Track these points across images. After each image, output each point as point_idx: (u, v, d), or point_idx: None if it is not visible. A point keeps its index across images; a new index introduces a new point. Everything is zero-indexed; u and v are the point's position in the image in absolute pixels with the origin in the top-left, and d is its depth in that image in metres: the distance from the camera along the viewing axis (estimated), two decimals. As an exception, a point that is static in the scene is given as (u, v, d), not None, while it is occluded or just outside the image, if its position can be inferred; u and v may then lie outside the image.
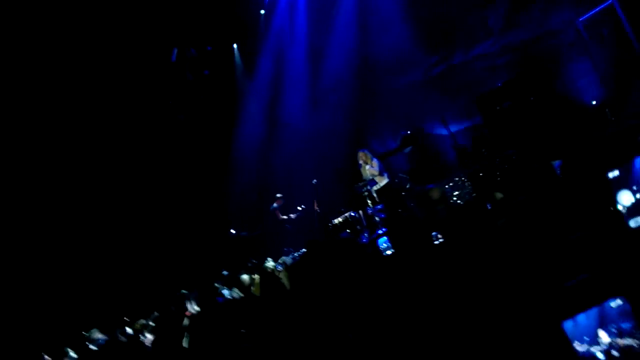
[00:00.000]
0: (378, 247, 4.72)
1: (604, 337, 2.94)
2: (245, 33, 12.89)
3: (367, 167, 9.90)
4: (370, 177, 9.87)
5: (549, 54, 10.52)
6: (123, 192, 12.21)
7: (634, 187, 3.30)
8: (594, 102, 9.42)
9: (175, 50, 12.32)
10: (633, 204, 3.31)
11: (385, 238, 4.66)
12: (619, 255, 3.19)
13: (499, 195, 5.48)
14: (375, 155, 10.29)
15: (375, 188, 9.72)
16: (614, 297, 2.95)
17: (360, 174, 10.24)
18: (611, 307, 2.96)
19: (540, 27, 10.53)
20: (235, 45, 13.41)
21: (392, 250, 4.60)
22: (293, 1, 12.67)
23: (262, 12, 12.65)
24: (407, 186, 10.36)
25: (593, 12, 9.12)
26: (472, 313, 3.45)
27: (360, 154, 10.07)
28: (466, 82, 12.23)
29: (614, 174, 3.36)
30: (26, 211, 11.06)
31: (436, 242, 4.57)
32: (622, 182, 3.33)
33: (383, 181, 9.87)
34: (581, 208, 3.57)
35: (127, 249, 12.00)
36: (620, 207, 3.33)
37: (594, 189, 3.52)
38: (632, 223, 3.32)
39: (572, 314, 2.97)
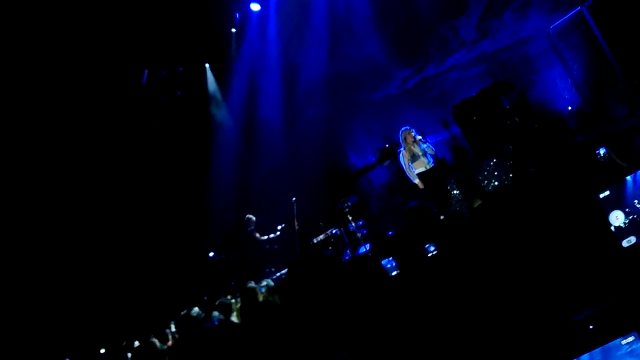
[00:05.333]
0: (384, 267, 4.55)
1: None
2: (217, 52, 12.69)
3: (412, 146, 8.21)
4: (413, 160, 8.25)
5: (523, 61, 10.61)
6: (95, 222, 11.81)
7: (627, 209, 3.16)
8: (569, 108, 9.50)
9: (146, 72, 12.05)
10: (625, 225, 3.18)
11: (389, 258, 4.50)
12: (620, 282, 2.97)
13: (477, 202, 5.37)
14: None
15: (415, 172, 8.25)
16: (627, 334, 2.70)
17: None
18: (621, 345, 2.70)
19: (512, 36, 10.62)
20: (207, 65, 13.21)
21: (397, 270, 4.44)
22: (264, 19, 12.55)
23: (234, 30, 12.49)
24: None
25: (563, 19, 9.23)
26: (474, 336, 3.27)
27: (405, 132, 8.31)
28: (441, 93, 12.24)
29: (604, 194, 3.21)
30: None
31: (429, 255, 4.43)
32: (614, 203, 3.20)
33: (425, 166, 8.25)
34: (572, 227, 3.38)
35: (101, 279, 11.60)
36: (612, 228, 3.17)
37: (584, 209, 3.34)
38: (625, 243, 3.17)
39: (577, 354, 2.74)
